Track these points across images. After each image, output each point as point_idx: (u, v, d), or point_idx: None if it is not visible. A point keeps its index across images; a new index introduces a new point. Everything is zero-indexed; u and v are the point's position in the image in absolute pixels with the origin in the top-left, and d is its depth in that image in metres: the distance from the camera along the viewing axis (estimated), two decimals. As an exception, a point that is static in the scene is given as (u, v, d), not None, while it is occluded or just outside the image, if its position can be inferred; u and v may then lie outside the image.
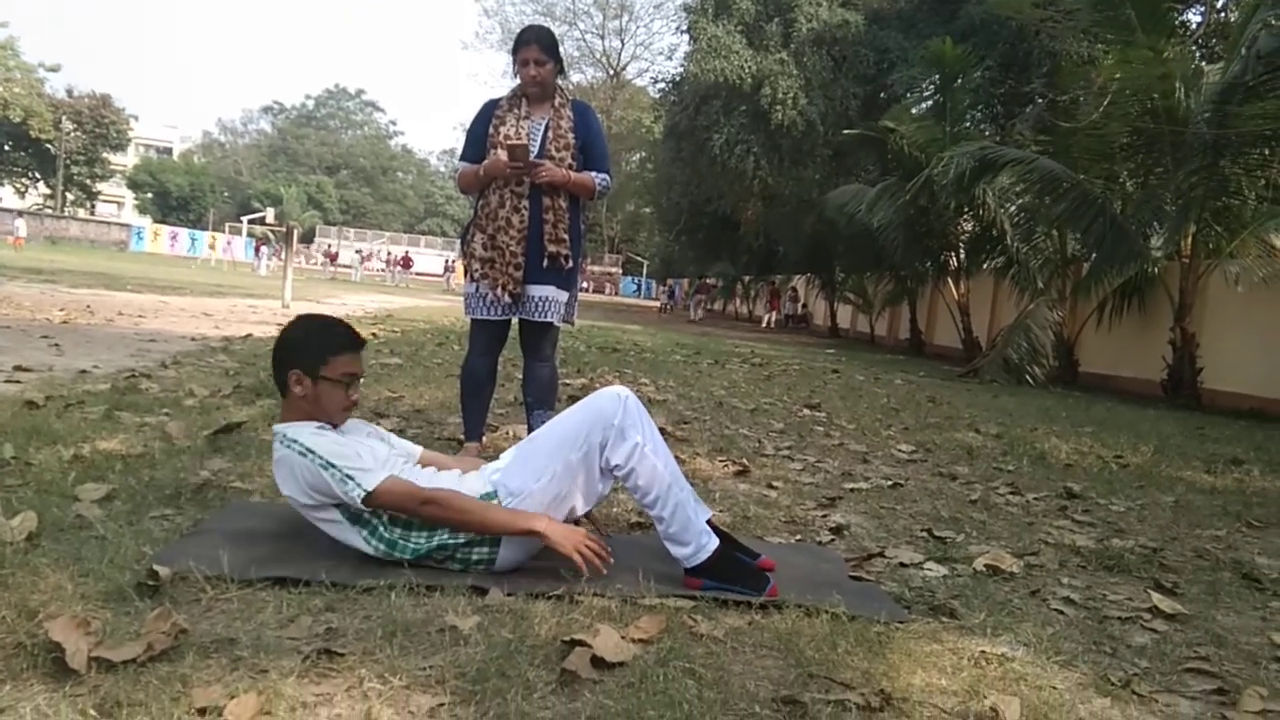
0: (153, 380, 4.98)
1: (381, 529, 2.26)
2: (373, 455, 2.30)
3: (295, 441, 2.26)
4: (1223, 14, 17.77)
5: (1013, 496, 4.02)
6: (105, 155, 61.68)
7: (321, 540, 2.40)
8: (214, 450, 3.39)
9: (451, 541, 2.26)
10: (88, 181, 61.74)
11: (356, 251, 48.07)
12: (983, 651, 2.03)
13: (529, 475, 2.33)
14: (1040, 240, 14.27)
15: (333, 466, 2.20)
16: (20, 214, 42.07)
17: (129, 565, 2.06)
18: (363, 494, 2.18)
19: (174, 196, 67.74)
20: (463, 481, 2.37)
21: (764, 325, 29.93)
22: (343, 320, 2.47)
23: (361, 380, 2.46)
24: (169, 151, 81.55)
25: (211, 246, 47.39)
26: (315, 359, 2.34)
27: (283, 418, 2.38)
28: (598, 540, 2.27)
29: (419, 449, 2.64)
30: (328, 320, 2.47)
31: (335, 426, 2.38)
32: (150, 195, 68.22)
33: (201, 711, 1.45)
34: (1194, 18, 18.53)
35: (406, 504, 2.22)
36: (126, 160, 69.67)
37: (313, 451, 2.23)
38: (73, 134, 57.88)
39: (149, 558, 2.12)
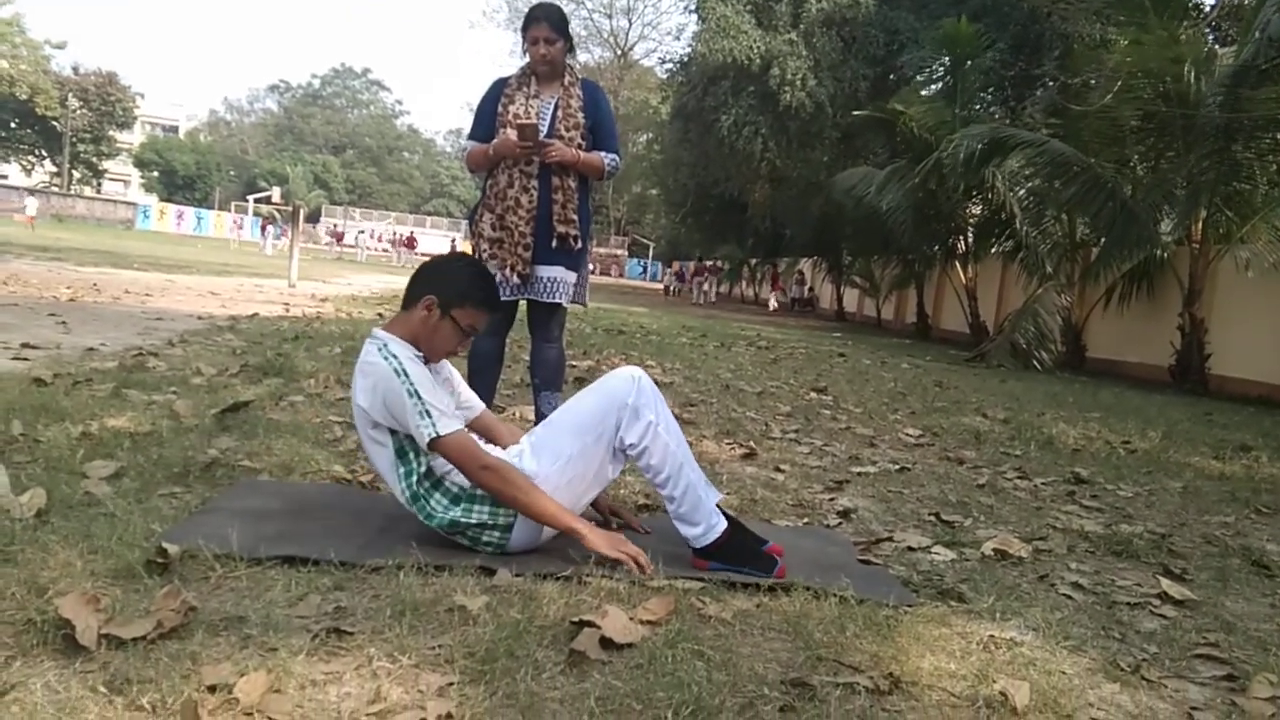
0: (160, 358, 4.98)
1: (415, 478, 2.27)
2: (449, 405, 2.31)
3: (395, 356, 2.25)
4: (1236, -4, 17.59)
5: (1020, 481, 4.01)
6: (111, 133, 61.67)
7: (330, 519, 2.40)
8: (222, 429, 3.39)
9: (464, 520, 2.26)
10: (94, 159, 61.75)
11: (360, 232, 47.86)
12: (991, 636, 2.03)
13: (545, 459, 2.33)
14: (1049, 224, 14.20)
15: (418, 396, 2.20)
16: (32, 192, 42.11)
17: (138, 543, 2.06)
18: (433, 435, 2.18)
19: (180, 175, 67.74)
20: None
21: (770, 308, 29.87)
22: (494, 279, 2.49)
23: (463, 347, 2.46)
24: (175, 130, 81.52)
25: (239, 226, 46.86)
26: (456, 296, 2.35)
27: (388, 327, 2.38)
28: (636, 549, 2.24)
29: (481, 406, 2.64)
30: (484, 272, 2.49)
31: (428, 363, 2.37)
32: (156, 173, 68.24)
33: (211, 689, 1.45)
34: (1208, 0, 18.35)
35: (467, 463, 2.22)
36: (132, 138, 69.68)
37: (407, 374, 2.22)
38: (79, 111, 57.81)
39: (158, 535, 2.12)
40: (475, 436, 2.42)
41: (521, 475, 2.26)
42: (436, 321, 2.34)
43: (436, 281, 2.38)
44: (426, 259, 2.50)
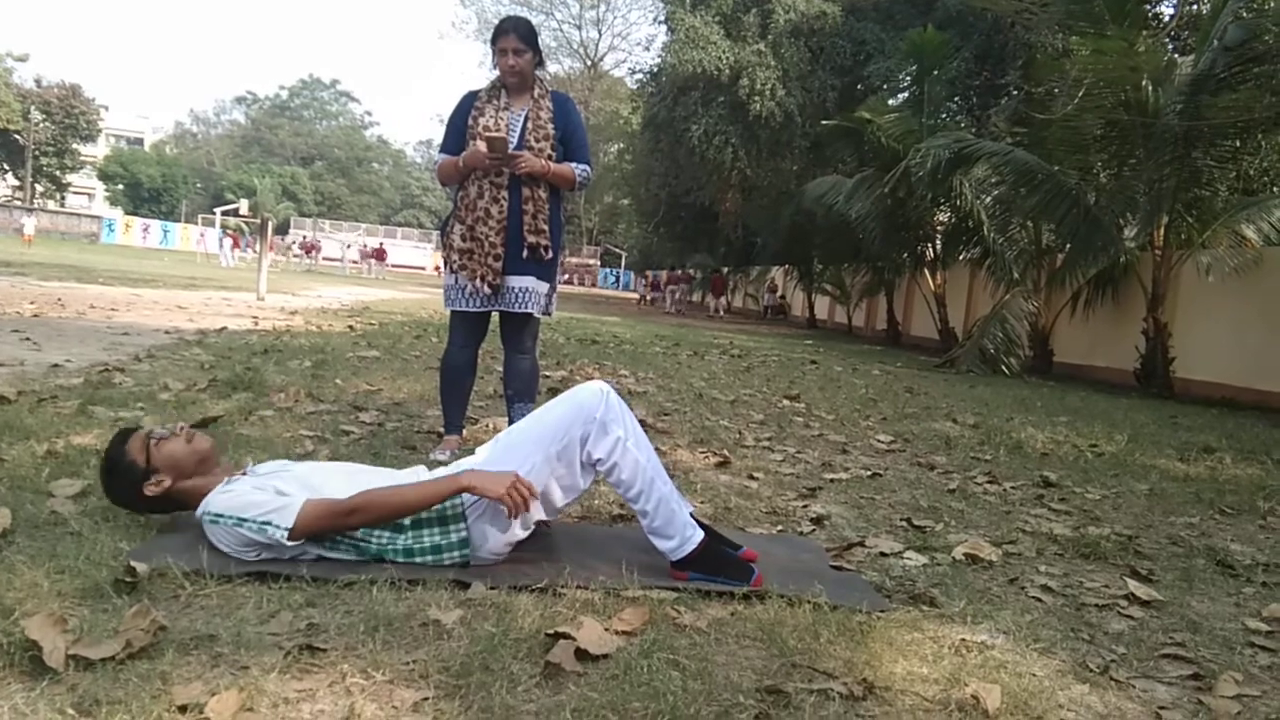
0: (127, 374, 4.92)
1: (345, 542, 2.21)
2: (295, 480, 2.24)
3: (207, 512, 2.19)
4: (1194, 6, 17.98)
5: (990, 486, 4.05)
6: (75, 146, 60.86)
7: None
8: (190, 445, 3.35)
9: (417, 546, 2.23)
10: (57, 173, 60.90)
11: (349, 246, 47.44)
12: (963, 640, 2.05)
13: (509, 466, 2.31)
14: (1016, 231, 14.39)
15: (244, 521, 2.13)
16: (30, 211, 43.10)
17: (106, 562, 2.04)
18: (285, 533, 2.11)
19: (146, 188, 66.91)
20: (433, 475, 2.35)
21: (711, 312, 30.17)
22: (115, 438, 2.37)
23: (179, 426, 2.39)
24: (140, 142, 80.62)
25: (202, 238, 46.41)
26: (140, 472, 2.28)
27: (193, 506, 2.29)
28: (526, 482, 2.21)
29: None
30: (111, 448, 2.36)
31: (243, 472, 2.34)
32: (121, 187, 67.37)
33: (182, 709, 1.44)
34: (1167, 10, 18.72)
35: (334, 522, 2.16)
36: (97, 151, 68.83)
37: (221, 515, 2.15)
38: (42, 125, 57.05)
39: (126, 554, 2.09)
40: (386, 474, 2.40)
41: (383, 490, 2.22)
42: (168, 479, 2.28)
43: (123, 489, 2.30)
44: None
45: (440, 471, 2.38)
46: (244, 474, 2.35)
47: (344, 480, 2.29)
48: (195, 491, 2.29)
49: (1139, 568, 2.86)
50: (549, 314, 3.79)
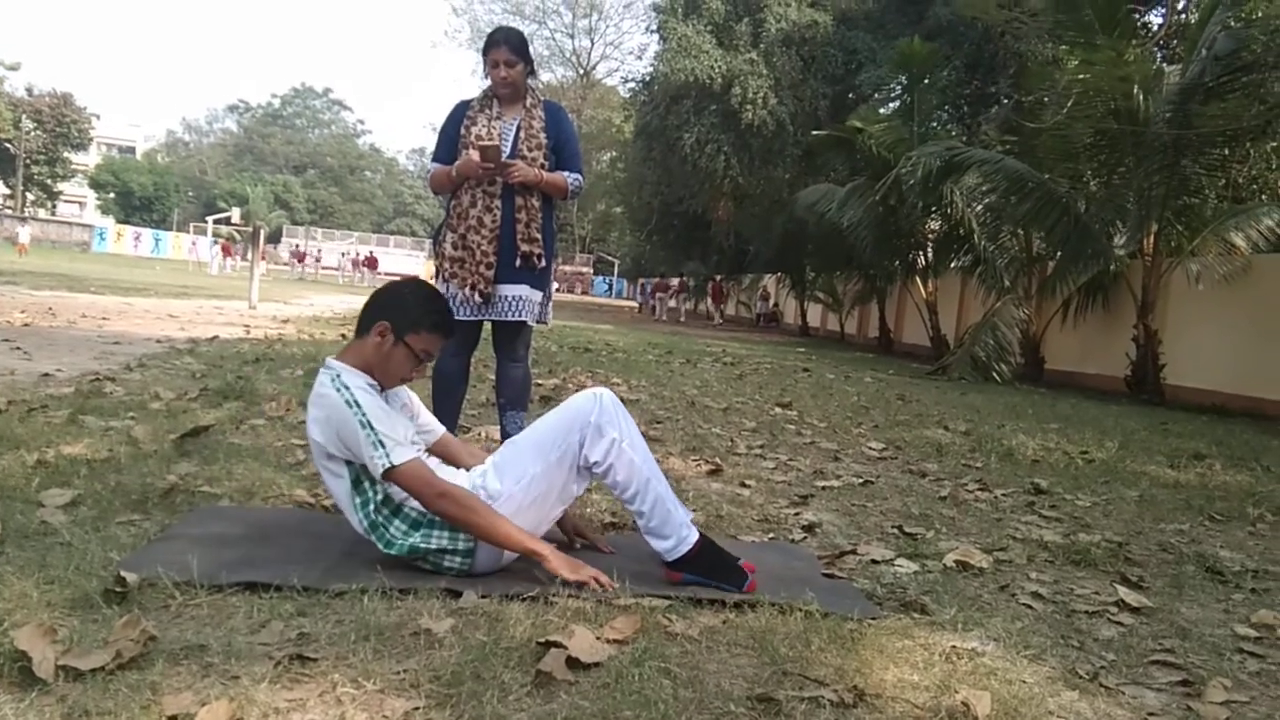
0: (117, 383, 4.90)
1: (372, 507, 2.26)
2: (405, 432, 2.30)
3: (347, 388, 2.24)
4: (1183, 15, 18.09)
5: (981, 493, 4.06)
6: (66, 155, 60.65)
7: (292, 544, 2.38)
8: (181, 454, 3.34)
9: (423, 546, 2.25)
10: (48, 181, 60.66)
11: (344, 254, 47.72)
12: (953, 647, 2.05)
13: (509, 478, 2.33)
14: (1006, 239, 14.43)
15: (371, 427, 2.19)
16: (23, 220, 43.72)
17: (96, 572, 2.03)
18: (388, 465, 2.17)
19: (137, 196, 66.66)
20: (455, 478, 2.36)
21: (715, 321, 30.26)
22: (447, 303, 2.47)
23: (421, 368, 2.44)
24: (132, 150, 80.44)
25: (194, 247, 46.31)
26: (410, 322, 2.34)
27: (341, 356, 2.36)
28: (605, 579, 2.23)
29: (441, 429, 2.62)
30: (437, 296, 2.48)
31: (382, 390, 2.37)
32: (113, 195, 67.09)
33: (173, 719, 1.44)
34: (1156, 19, 18.83)
35: (423, 490, 2.20)
36: (88, 160, 68.57)
37: (359, 405, 2.21)
38: (33, 133, 56.86)
39: (116, 564, 2.09)
40: (435, 460, 2.41)
41: (479, 500, 2.25)
42: (390, 349, 2.33)
43: (389, 307, 2.37)
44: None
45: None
46: (380, 390, 2.37)
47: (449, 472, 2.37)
48: (365, 371, 2.32)
49: (1129, 574, 2.87)
50: (544, 322, 3.80)
